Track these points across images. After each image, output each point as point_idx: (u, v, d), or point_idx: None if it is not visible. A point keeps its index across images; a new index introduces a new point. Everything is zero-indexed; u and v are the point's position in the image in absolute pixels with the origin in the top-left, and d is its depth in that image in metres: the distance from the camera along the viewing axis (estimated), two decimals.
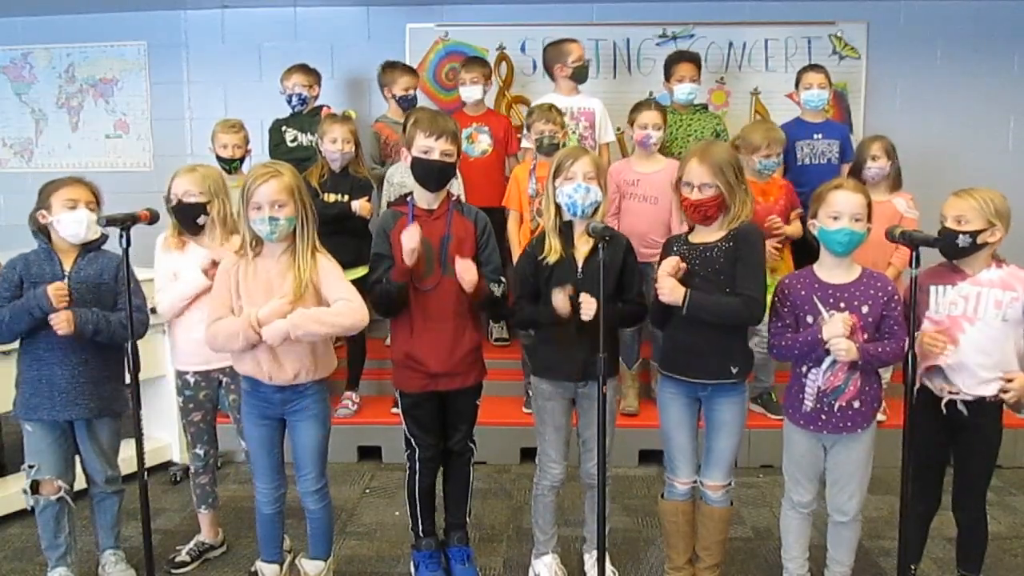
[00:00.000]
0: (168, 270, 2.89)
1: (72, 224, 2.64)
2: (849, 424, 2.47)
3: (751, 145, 3.75)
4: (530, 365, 3.33)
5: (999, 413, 2.52)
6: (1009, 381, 2.42)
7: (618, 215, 3.95)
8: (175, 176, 2.87)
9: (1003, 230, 2.43)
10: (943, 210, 2.48)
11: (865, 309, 2.43)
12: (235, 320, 2.44)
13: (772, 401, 3.98)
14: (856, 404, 2.46)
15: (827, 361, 2.45)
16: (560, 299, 2.52)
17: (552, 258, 2.62)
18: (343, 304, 2.46)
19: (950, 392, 2.48)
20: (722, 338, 2.53)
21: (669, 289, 2.45)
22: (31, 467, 2.70)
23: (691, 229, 2.62)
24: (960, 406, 2.48)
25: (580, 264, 2.62)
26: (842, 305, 2.44)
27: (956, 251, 2.44)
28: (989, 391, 2.45)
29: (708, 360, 2.53)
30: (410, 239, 2.52)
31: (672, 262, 2.49)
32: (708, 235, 2.55)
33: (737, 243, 2.50)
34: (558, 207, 2.64)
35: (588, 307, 2.47)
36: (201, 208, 2.83)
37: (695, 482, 2.66)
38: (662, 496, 2.73)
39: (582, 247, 2.63)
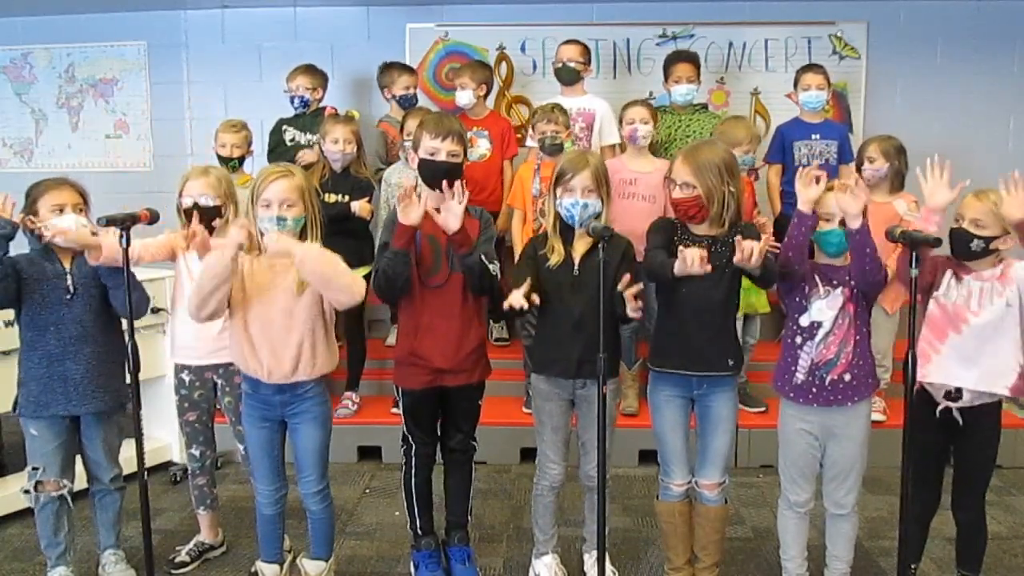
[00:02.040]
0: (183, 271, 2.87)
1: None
2: (840, 397, 2.50)
3: (733, 140, 3.76)
4: (530, 365, 3.33)
5: (998, 414, 2.53)
6: None
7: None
8: (187, 179, 2.83)
9: (1014, 239, 2.43)
10: (960, 209, 2.48)
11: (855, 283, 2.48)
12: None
13: (748, 395, 4.01)
14: (847, 377, 2.49)
15: (820, 334, 2.49)
16: (694, 255, 2.34)
17: (554, 261, 2.63)
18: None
19: (946, 401, 2.51)
20: (718, 331, 2.56)
21: (749, 251, 2.30)
22: (35, 469, 2.69)
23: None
24: (955, 414, 2.50)
25: (577, 262, 2.63)
26: (835, 281, 2.48)
27: (968, 253, 2.46)
28: (998, 388, 2.46)
29: (705, 351, 2.55)
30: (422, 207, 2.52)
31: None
32: (710, 230, 2.55)
33: (746, 237, 2.50)
34: (558, 213, 2.65)
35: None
36: (217, 211, 2.81)
37: (690, 483, 2.66)
38: (657, 498, 2.73)
39: (580, 246, 2.65)
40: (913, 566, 2.73)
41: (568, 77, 4.36)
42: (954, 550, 2.72)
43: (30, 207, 2.65)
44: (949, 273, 2.52)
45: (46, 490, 2.70)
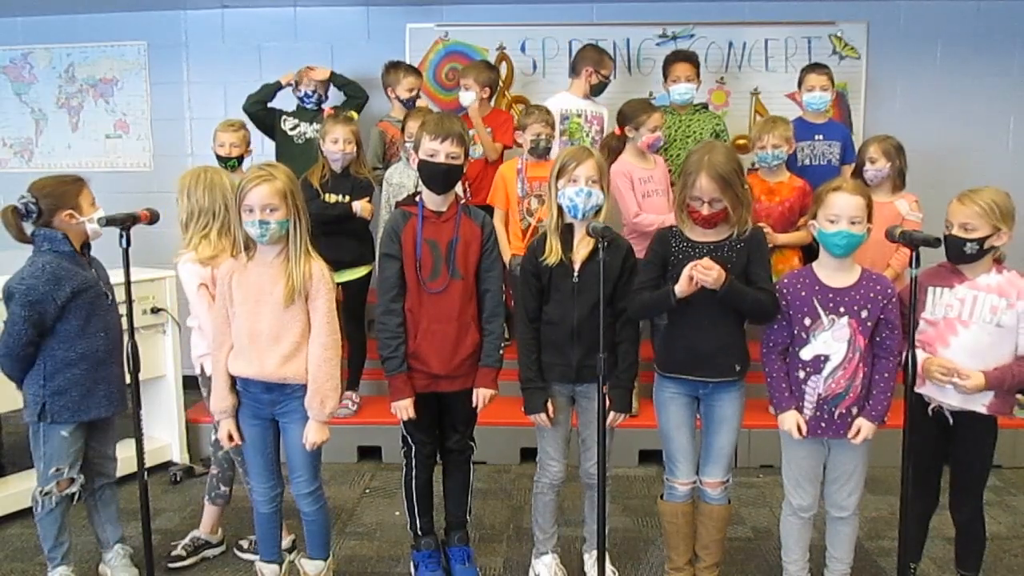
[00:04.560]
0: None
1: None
2: (850, 423, 2.47)
3: (753, 138, 3.90)
4: None
5: (992, 416, 2.51)
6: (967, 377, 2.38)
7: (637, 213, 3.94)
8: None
9: (1008, 233, 2.43)
10: (948, 215, 2.47)
11: (864, 314, 2.44)
12: (223, 398, 2.54)
13: None
14: (855, 410, 2.47)
15: (828, 368, 2.46)
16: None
17: (551, 260, 2.62)
18: (319, 358, 2.46)
19: (937, 402, 2.50)
20: (727, 337, 2.54)
21: (717, 274, 2.36)
22: (58, 471, 2.66)
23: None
24: (946, 414, 2.50)
25: (577, 268, 2.62)
26: (841, 309, 2.44)
27: (963, 257, 2.44)
28: (975, 405, 2.45)
29: (713, 360, 2.54)
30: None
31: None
32: (713, 234, 2.53)
33: (750, 245, 2.52)
34: (560, 208, 2.64)
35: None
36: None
37: (695, 482, 2.66)
38: (661, 497, 2.73)
39: (581, 251, 2.63)
40: (913, 566, 2.73)
41: (601, 91, 4.42)
42: (954, 550, 2.71)
43: (68, 203, 2.60)
44: (932, 291, 2.49)
45: (60, 490, 2.68)
